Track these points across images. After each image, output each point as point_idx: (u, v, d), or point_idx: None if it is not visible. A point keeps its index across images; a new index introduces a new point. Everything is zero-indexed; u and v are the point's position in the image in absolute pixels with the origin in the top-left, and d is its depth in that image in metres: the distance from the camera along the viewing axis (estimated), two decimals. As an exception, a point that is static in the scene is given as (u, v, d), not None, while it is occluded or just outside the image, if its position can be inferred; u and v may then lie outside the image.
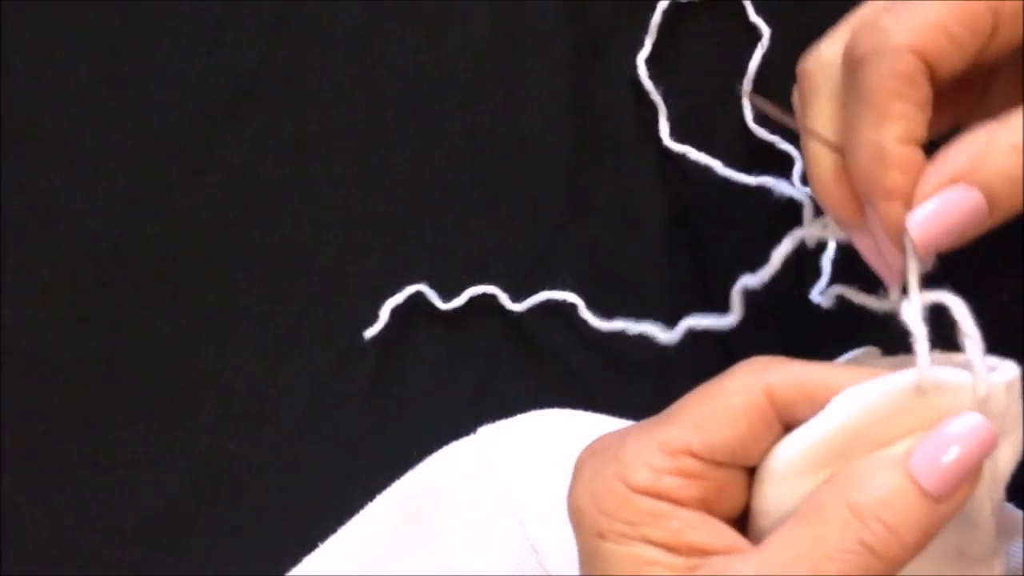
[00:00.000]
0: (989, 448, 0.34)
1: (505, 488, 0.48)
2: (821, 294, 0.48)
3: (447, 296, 0.51)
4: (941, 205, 0.36)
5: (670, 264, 0.51)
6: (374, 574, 0.49)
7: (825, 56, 0.40)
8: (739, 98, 0.51)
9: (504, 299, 0.51)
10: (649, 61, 0.51)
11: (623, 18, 0.52)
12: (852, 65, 0.38)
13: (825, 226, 0.43)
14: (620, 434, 0.37)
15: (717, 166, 0.50)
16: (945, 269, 0.48)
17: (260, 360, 0.52)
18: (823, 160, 0.40)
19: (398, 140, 0.52)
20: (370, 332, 0.50)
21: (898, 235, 0.37)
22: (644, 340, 0.50)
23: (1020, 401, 0.36)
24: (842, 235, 0.42)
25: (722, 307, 0.47)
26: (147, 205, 0.52)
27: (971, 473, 0.34)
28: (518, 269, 0.51)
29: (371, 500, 0.50)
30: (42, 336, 0.52)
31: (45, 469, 0.51)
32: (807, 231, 0.44)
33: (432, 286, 0.51)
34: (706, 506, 0.36)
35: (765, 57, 0.51)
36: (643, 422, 0.37)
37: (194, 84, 0.52)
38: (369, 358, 0.51)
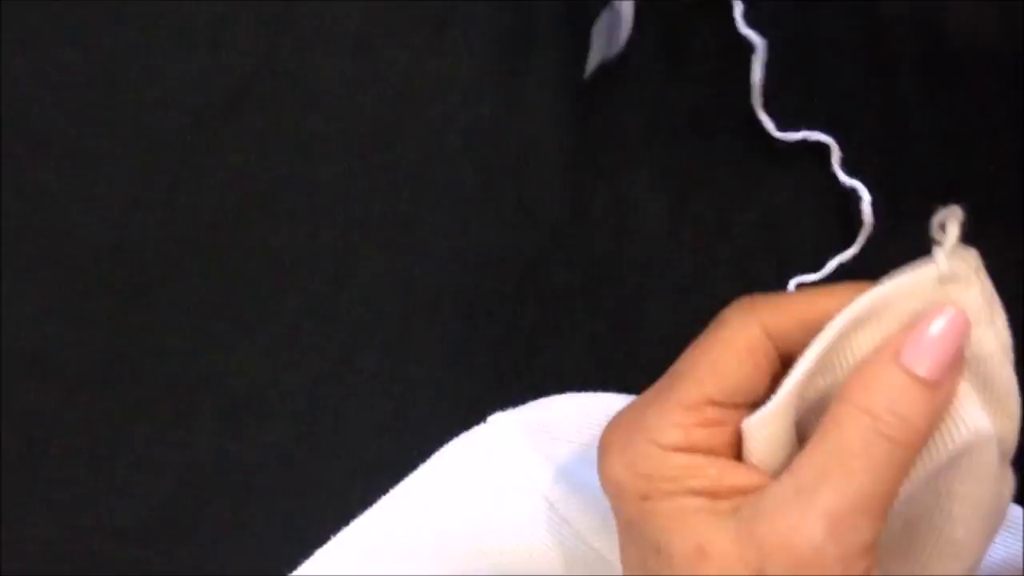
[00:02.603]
0: (965, 329, 0.37)
1: (525, 469, 0.48)
2: None
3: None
4: None
5: (670, 264, 0.51)
6: (390, 572, 0.49)
7: None
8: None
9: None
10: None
11: (623, 18, 0.52)
12: None
13: None
14: (635, 406, 0.39)
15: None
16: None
17: (260, 360, 0.52)
18: None
19: (398, 140, 0.52)
20: None
21: None
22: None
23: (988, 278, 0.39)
24: None
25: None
26: (147, 205, 0.52)
27: (957, 356, 0.37)
28: (518, 269, 0.51)
29: (371, 500, 0.50)
30: (42, 336, 0.52)
31: (45, 469, 0.51)
32: None
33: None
34: (735, 449, 0.38)
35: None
36: (651, 390, 0.39)
37: (194, 84, 0.52)
38: (369, 358, 0.51)
